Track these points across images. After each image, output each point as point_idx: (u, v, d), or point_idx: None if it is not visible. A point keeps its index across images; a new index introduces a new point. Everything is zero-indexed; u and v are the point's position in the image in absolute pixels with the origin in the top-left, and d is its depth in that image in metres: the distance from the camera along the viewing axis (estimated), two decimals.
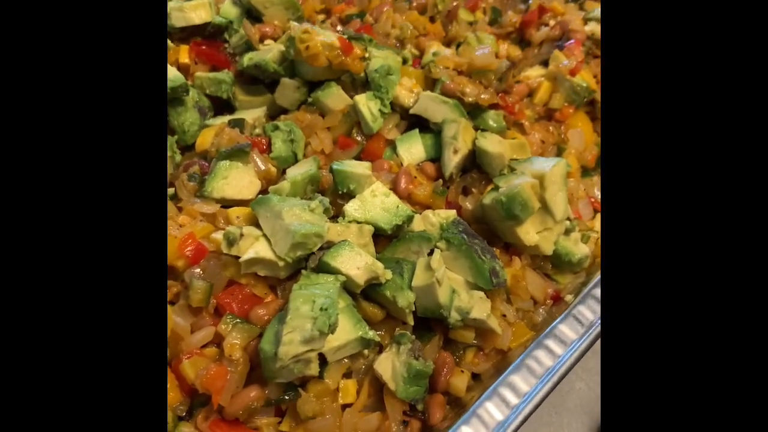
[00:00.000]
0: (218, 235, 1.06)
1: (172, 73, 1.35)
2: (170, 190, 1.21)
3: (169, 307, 0.99)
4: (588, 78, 1.47)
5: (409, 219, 1.14)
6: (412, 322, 1.07)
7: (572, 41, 1.57)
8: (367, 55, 1.38)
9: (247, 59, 1.44)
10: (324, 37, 1.31)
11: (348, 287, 1.03)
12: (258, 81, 1.51)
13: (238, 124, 1.32)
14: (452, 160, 1.27)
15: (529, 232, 1.17)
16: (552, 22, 1.67)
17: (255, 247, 1.01)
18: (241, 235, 1.02)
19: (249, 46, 1.51)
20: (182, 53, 1.50)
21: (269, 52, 1.43)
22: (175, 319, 0.98)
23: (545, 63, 1.58)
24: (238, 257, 1.02)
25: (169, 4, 1.52)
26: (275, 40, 1.54)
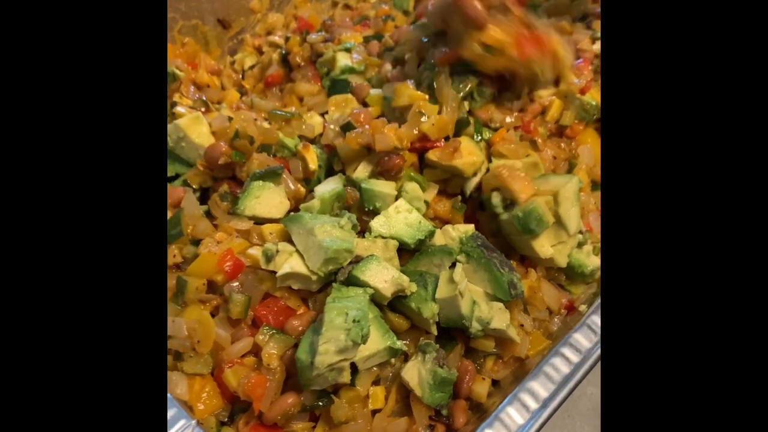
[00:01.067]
0: (253, 251, 1.13)
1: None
2: (204, 207, 1.27)
3: (211, 318, 1.05)
4: (597, 96, 1.51)
5: (431, 234, 1.19)
6: (435, 332, 1.12)
7: (581, 60, 1.63)
8: None
9: None
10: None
11: (375, 299, 1.09)
12: None
13: (266, 148, 1.37)
14: (471, 180, 1.33)
15: (544, 246, 1.22)
16: None
17: (290, 262, 1.08)
18: (277, 251, 1.09)
19: None
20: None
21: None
22: (217, 331, 1.05)
23: (554, 82, 1.64)
24: (273, 272, 1.08)
25: None
26: None
